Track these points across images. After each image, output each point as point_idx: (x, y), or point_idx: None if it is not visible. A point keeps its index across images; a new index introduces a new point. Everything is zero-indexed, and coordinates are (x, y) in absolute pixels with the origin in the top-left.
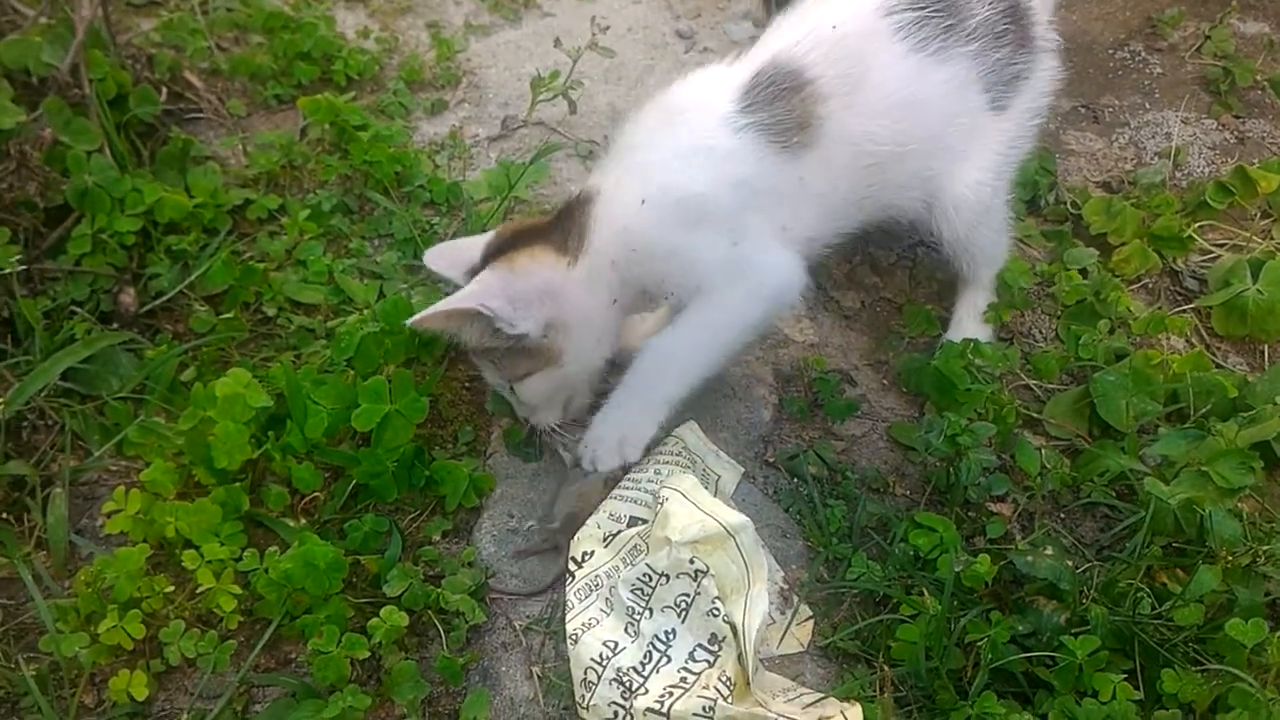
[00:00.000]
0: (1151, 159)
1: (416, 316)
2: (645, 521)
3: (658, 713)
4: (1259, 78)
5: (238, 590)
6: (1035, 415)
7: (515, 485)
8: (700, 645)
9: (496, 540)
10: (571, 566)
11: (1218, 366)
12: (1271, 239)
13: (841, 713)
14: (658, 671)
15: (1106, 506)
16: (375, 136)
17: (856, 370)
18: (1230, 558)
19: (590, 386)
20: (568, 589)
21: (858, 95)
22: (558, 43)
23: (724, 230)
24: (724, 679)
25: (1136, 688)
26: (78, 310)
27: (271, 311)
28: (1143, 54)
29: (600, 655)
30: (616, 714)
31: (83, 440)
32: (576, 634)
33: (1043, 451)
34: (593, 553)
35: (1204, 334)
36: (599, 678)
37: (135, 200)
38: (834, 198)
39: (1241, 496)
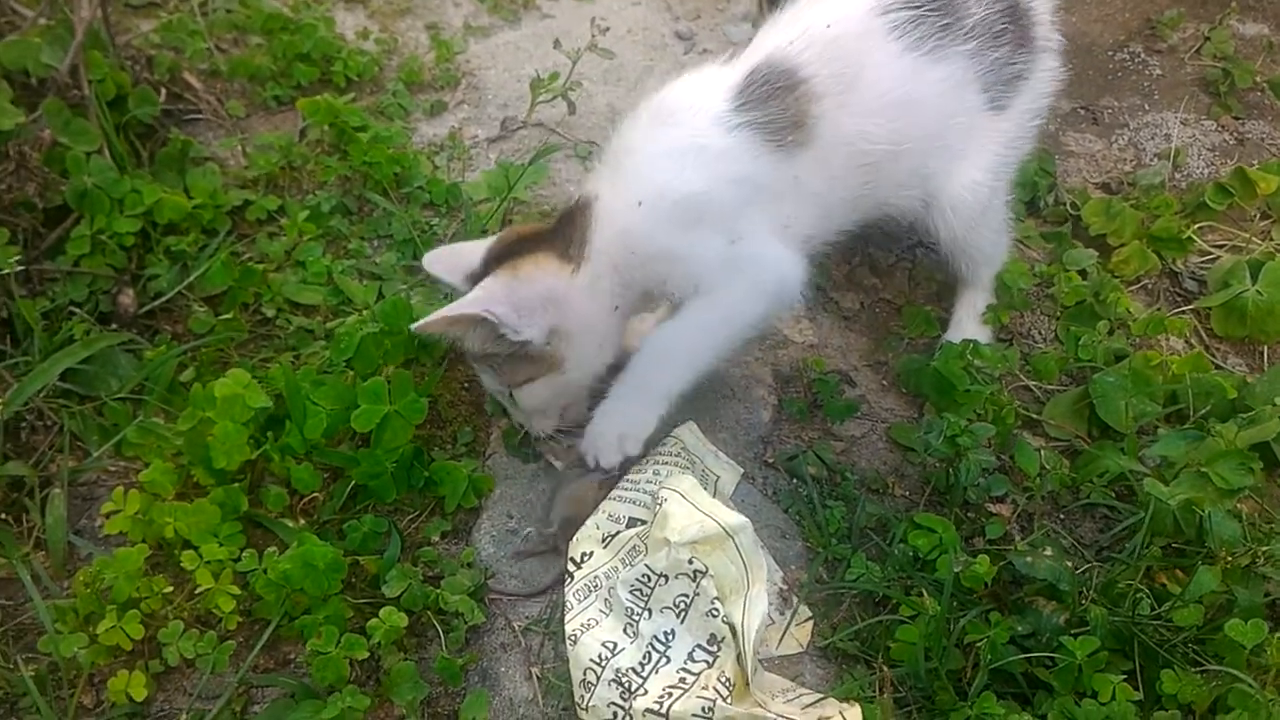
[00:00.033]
0: (1151, 160)
1: (421, 322)
2: (644, 522)
3: (657, 713)
4: (1258, 79)
5: (236, 591)
6: (1035, 416)
7: (514, 486)
8: (699, 646)
9: (495, 541)
10: (570, 567)
11: (1217, 367)
12: (1271, 240)
13: (841, 713)
14: (657, 672)
15: (1106, 507)
16: (374, 138)
17: (856, 371)
18: (1230, 558)
19: (589, 393)
20: (567, 590)
21: (852, 94)
22: (557, 44)
23: (722, 229)
24: (723, 679)
25: (1136, 688)
26: (77, 311)
27: (271, 312)
28: (1142, 55)
29: (599, 656)
30: (616, 715)
31: (81, 441)
32: (575, 635)
33: (1042, 452)
34: (592, 553)
35: (1203, 335)
36: (598, 678)
37: (134, 201)
38: (830, 197)
39: (1241, 497)
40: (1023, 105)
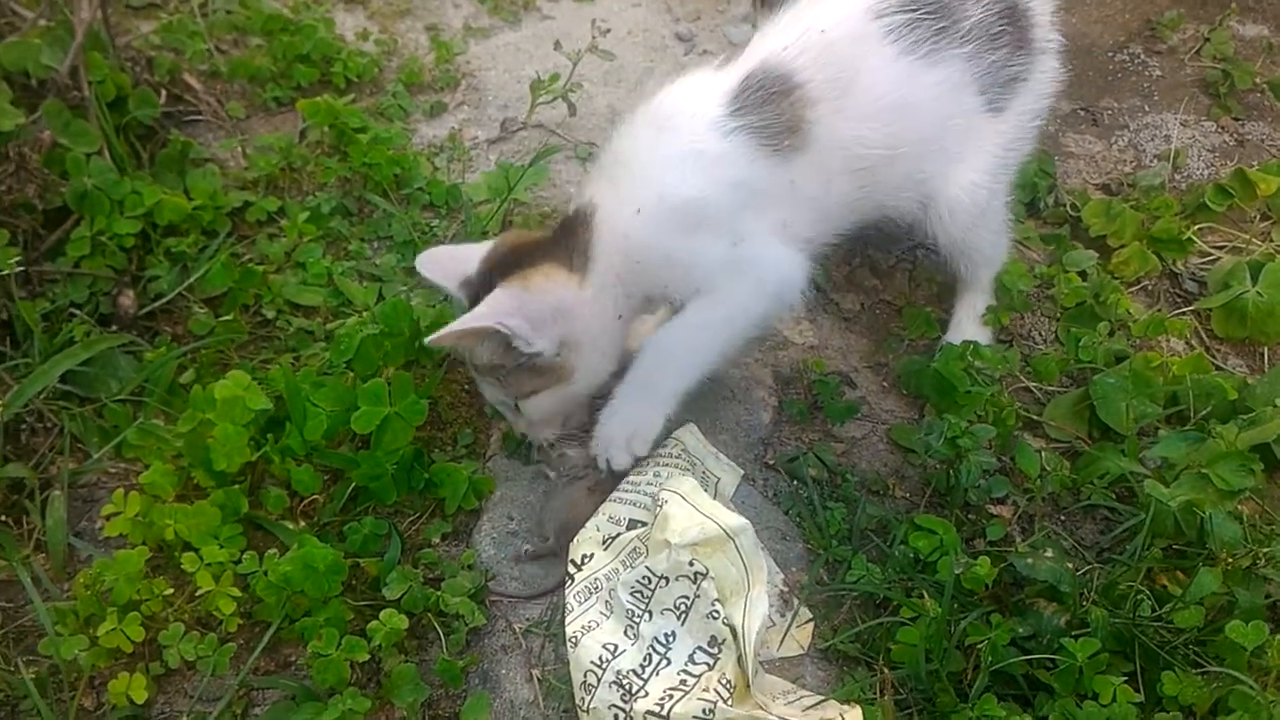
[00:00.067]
0: (1151, 161)
1: (434, 335)
2: (645, 524)
3: (658, 715)
4: (1258, 80)
5: (237, 593)
6: (1035, 417)
7: (515, 488)
8: (700, 648)
9: (496, 543)
10: (571, 569)
11: (1217, 369)
12: (1271, 241)
13: (841, 715)
14: (657, 674)
15: (1107, 509)
16: (374, 139)
17: (856, 372)
18: (1230, 560)
19: (591, 401)
20: (567, 592)
21: (847, 99)
22: (557, 45)
23: (723, 232)
24: (724, 681)
25: (1137, 690)
26: (77, 312)
27: (271, 314)
28: (1142, 57)
29: (600, 658)
30: (616, 717)
31: (82, 443)
32: (576, 637)
33: (1043, 454)
34: (592, 555)
35: (1204, 336)
36: (599, 680)
37: (134, 202)
38: (827, 200)
39: (1242, 499)
40: (1021, 107)
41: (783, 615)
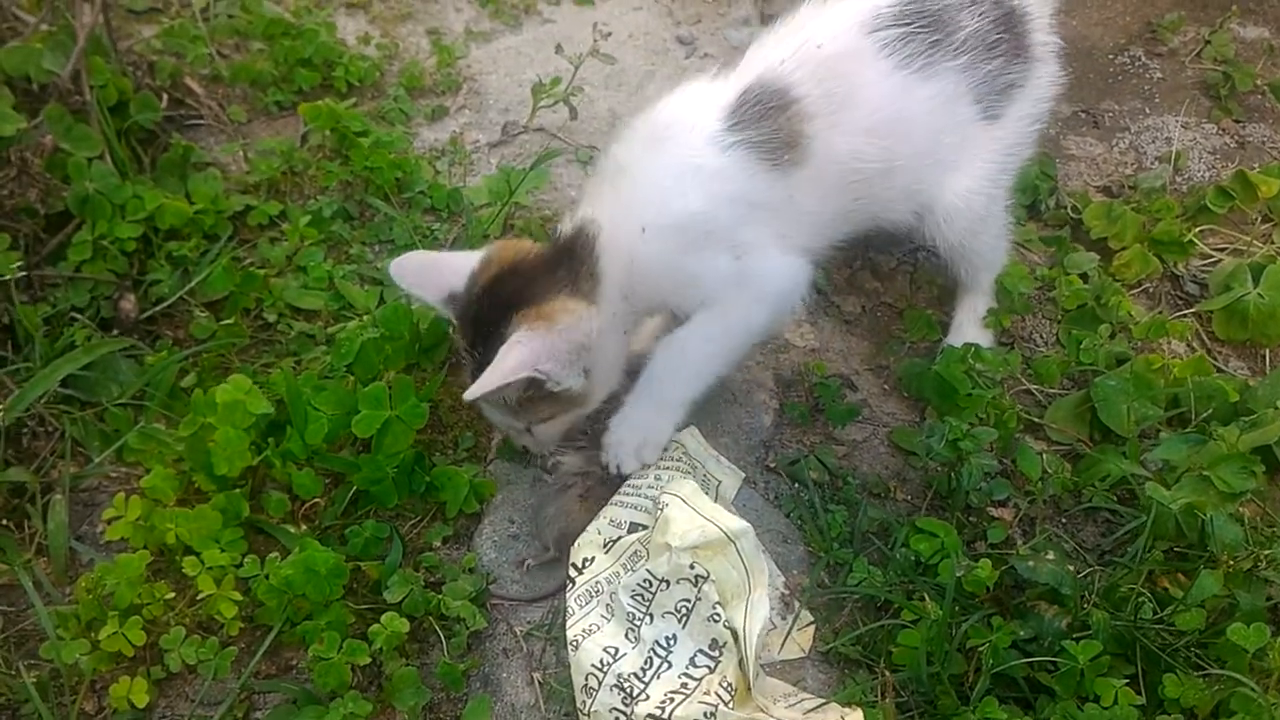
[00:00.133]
0: (1152, 163)
1: (473, 392)
2: (645, 527)
3: (659, 718)
4: (1259, 82)
5: (238, 597)
6: (1036, 420)
7: (516, 491)
8: (701, 651)
9: (497, 546)
10: (572, 573)
11: (1219, 371)
12: (1272, 243)
13: (843, 718)
14: (659, 677)
15: (1108, 511)
16: (376, 143)
17: (857, 375)
18: (1232, 562)
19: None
20: (568, 595)
21: (844, 114)
22: (559, 49)
23: (726, 245)
24: (725, 684)
25: (1138, 693)
26: (78, 317)
27: (272, 317)
28: (1143, 59)
29: (601, 661)
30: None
31: (83, 447)
32: (577, 640)
33: (1044, 456)
34: (593, 559)
35: (1205, 338)
36: (600, 684)
37: (136, 207)
38: (824, 213)
39: (1243, 501)
40: (1019, 112)
41: (784, 618)
